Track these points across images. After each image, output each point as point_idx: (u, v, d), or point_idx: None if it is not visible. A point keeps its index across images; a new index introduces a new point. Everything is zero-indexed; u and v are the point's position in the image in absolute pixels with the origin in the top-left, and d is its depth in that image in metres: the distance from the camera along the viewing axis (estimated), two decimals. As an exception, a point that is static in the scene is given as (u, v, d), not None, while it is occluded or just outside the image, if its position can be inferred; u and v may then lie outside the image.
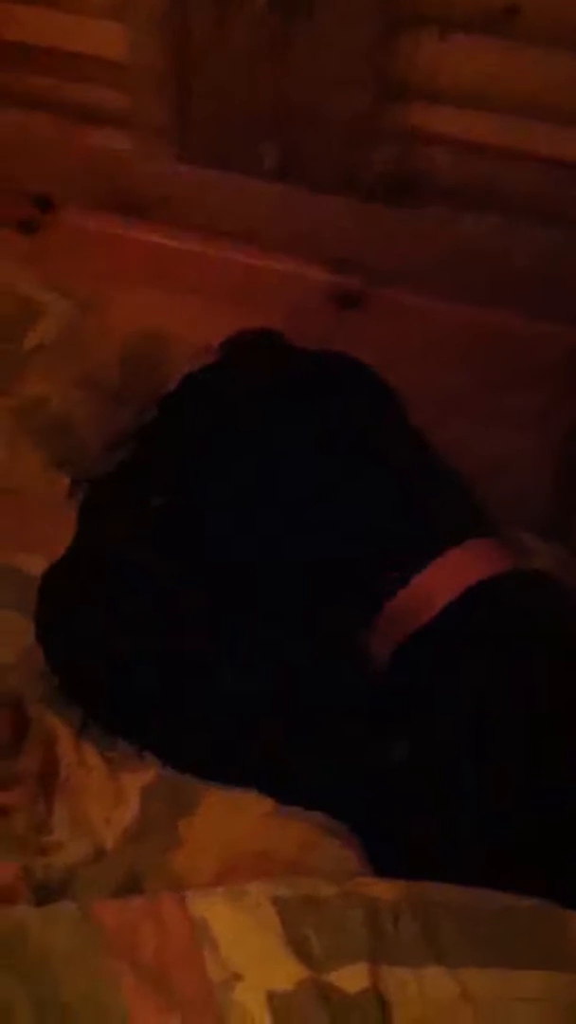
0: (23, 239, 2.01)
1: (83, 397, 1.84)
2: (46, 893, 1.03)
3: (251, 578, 1.33)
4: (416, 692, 1.22)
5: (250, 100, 1.75)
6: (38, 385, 1.85)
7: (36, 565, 1.57)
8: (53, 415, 1.81)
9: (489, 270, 1.75)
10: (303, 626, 1.31)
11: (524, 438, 1.79)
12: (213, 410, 1.56)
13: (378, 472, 1.43)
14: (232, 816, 1.19)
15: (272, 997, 0.86)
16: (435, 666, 1.22)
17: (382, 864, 1.13)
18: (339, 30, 1.64)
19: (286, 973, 0.86)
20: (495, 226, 1.74)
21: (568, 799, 1.09)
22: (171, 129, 1.82)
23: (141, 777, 1.24)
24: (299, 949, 0.87)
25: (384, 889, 0.94)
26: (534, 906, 0.97)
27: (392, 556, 1.33)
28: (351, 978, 0.87)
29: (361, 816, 1.17)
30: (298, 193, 1.80)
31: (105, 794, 1.23)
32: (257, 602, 1.31)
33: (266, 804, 1.18)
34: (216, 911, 0.90)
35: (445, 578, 1.27)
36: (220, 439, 1.50)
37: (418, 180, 1.77)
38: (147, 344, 1.94)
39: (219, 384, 1.62)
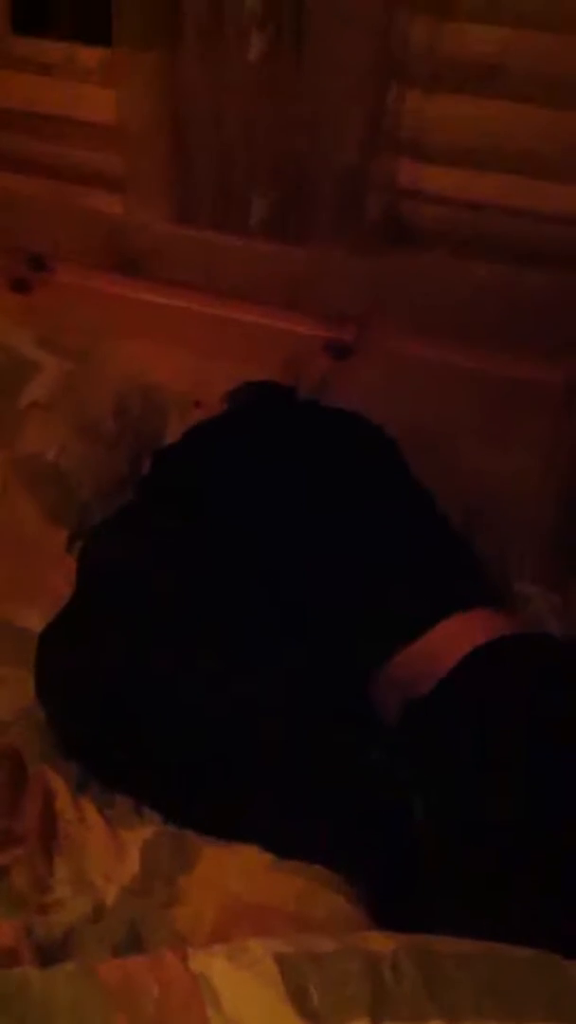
0: (17, 298, 2.05)
1: (79, 449, 1.85)
2: (48, 952, 1.03)
3: (258, 632, 1.34)
4: (427, 750, 1.21)
5: (242, 158, 1.79)
6: (35, 439, 1.86)
7: (34, 619, 1.56)
8: (49, 468, 1.82)
9: (481, 316, 1.78)
10: (311, 676, 1.31)
11: (522, 476, 1.79)
12: (219, 463, 1.57)
13: (385, 530, 1.44)
14: (232, 871, 1.18)
15: (276, 1053, 0.86)
16: (446, 724, 1.23)
17: (387, 916, 1.13)
18: (330, 88, 1.68)
19: (289, 1030, 0.86)
20: (486, 273, 1.77)
21: None
22: (163, 188, 1.86)
23: (141, 833, 1.24)
24: (301, 1005, 0.87)
25: (384, 942, 0.94)
26: (536, 956, 0.96)
27: (397, 615, 1.34)
28: (354, 1034, 0.86)
29: (369, 869, 1.17)
30: (289, 248, 1.84)
31: (105, 851, 1.23)
32: (263, 656, 1.31)
33: (265, 858, 1.18)
34: (217, 967, 0.89)
35: (452, 640, 1.28)
36: (227, 492, 1.51)
37: (409, 230, 1.81)
38: (141, 397, 1.96)
39: (226, 438, 1.63)
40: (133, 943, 1.03)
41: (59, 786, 1.28)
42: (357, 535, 1.43)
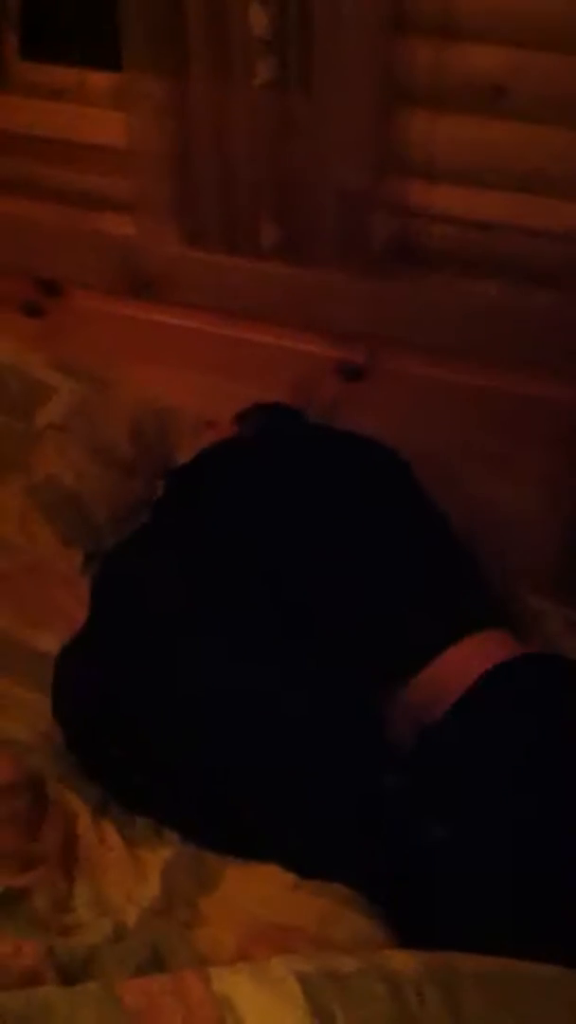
0: (30, 322, 2.07)
1: (94, 472, 1.87)
2: (70, 973, 1.03)
3: (274, 652, 1.34)
4: (444, 777, 1.22)
5: (250, 181, 1.80)
6: (50, 462, 1.87)
7: (51, 642, 1.57)
8: (65, 491, 1.83)
9: (492, 336, 1.79)
10: (330, 698, 1.32)
11: (533, 497, 1.80)
12: (230, 486, 1.58)
13: (395, 555, 1.45)
14: (253, 891, 1.18)
15: (300, 1074, 0.86)
16: (460, 751, 1.23)
17: (410, 934, 1.13)
18: (336, 110, 1.70)
19: (313, 1049, 0.86)
20: (497, 293, 1.78)
21: None
22: (174, 212, 1.88)
23: (161, 855, 1.24)
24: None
25: (406, 961, 0.94)
26: (557, 974, 0.96)
27: (408, 641, 1.35)
28: (378, 1053, 0.86)
29: (391, 890, 1.17)
30: (299, 270, 1.85)
31: (125, 872, 1.23)
32: (282, 676, 1.32)
33: (287, 878, 1.18)
34: (240, 988, 0.90)
35: (463, 664, 1.28)
36: (238, 513, 1.52)
37: (418, 251, 1.82)
38: (155, 419, 1.97)
39: (237, 461, 1.64)
40: (155, 964, 1.03)
41: (79, 808, 1.29)
42: (368, 559, 1.44)
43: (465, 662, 1.28)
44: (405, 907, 1.15)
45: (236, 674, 1.30)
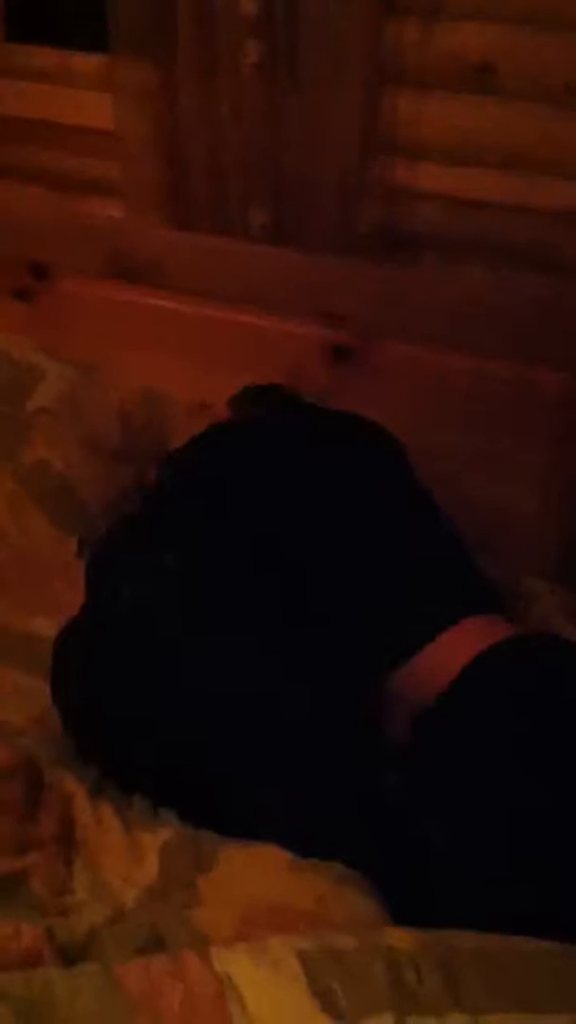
0: (20, 306, 2.06)
1: (84, 458, 1.86)
2: (70, 954, 1.03)
3: (269, 635, 1.35)
4: (439, 770, 1.22)
5: (239, 164, 1.80)
6: (40, 448, 1.86)
7: (46, 627, 1.57)
8: (56, 477, 1.83)
9: (482, 320, 1.79)
10: (325, 696, 1.32)
11: (525, 484, 1.81)
12: (227, 469, 1.58)
13: (388, 539, 1.45)
14: (251, 871, 1.18)
15: (301, 1050, 0.86)
16: (453, 741, 1.23)
17: (404, 912, 1.14)
18: (323, 92, 1.69)
19: (314, 1026, 0.87)
20: (486, 276, 1.79)
21: None
22: (162, 195, 1.87)
23: (159, 835, 1.24)
24: (325, 1001, 0.88)
25: (404, 939, 0.95)
26: (556, 950, 0.97)
27: (399, 628, 1.35)
28: (378, 1030, 0.87)
29: (390, 882, 1.18)
30: (290, 253, 1.85)
31: (123, 854, 1.23)
32: (276, 658, 1.32)
33: (284, 857, 1.18)
34: (240, 966, 0.90)
35: (453, 650, 1.29)
36: (236, 497, 1.52)
37: (407, 234, 1.82)
38: (145, 404, 1.97)
39: (233, 443, 1.64)
40: (155, 945, 1.03)
41: (76, 791, 1.29)
42: (361, 543, 1.44)
43: (457, 646, 1.28)
44: (403, 898, 1.16)
45: (236, 668, 1.30)
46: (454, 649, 1.29)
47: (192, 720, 1.27)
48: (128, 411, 1.95)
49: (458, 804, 1.18)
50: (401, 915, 1.13)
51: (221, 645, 1.32)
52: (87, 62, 1.87)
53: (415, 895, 1.16)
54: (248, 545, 1.44)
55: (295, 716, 1.27)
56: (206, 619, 1.35)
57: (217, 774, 1.25)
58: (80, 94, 1.89)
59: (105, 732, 1.33)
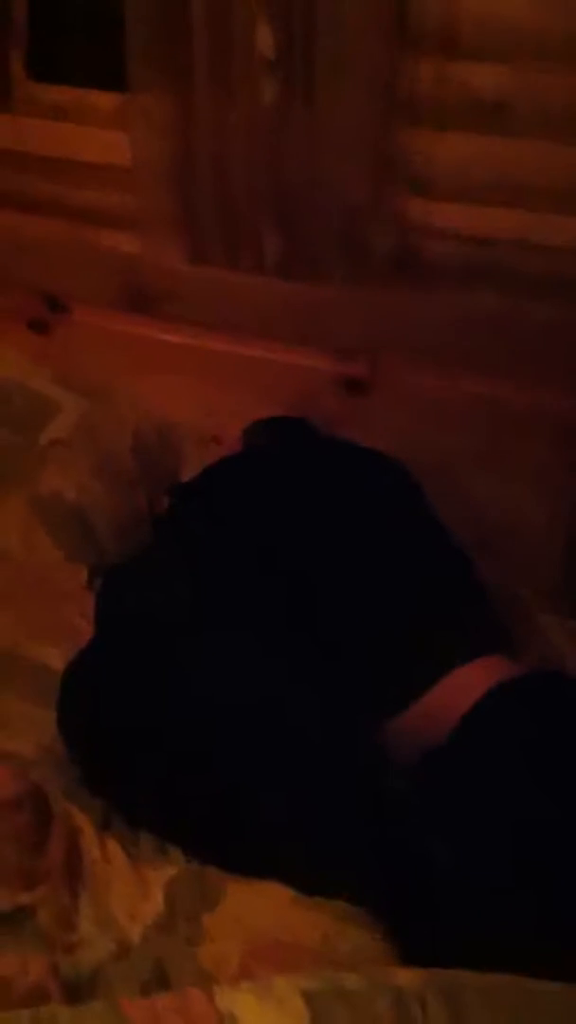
0: (35, 337, 2.08)
1: (97, 487, 1.87)
2: (75, 990, 1.03)
3: (281, 670, 1.35)
4: (448, 802, 1.21)
5: (253, 199, 1.82)
6: (54, 478, 1.87)
7: (55, 658, 1.57)
8: (69, 506, 1.83)
9: (492, 349, 1.80)
10: (330, 692, 1.32)
11: (534, 507, 1.81)
12: (239, 500, 1.58)
13: (400, 575, 1.45)
14: (256, 907, 1.18)
15: None
16: (462, 777, 1.22)
17: (412, 946, 1.13)
18: (338, 127, 1.71)
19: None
20: (498, 307, 1.80)
21: None
22: (177, 229, 1.89)
23: (165, 872, 1.23)
24: (329, 1041, 0.88)
25: (410, 977, 0.94)
26: (562, 990, 0.97)
27: (410, 666, 1.35)
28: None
29: (392, 903, 1.18)
30: (302, 286, 1.86)
31: (129, 889, 1.22)
32: (285, 694, 1.31)
33: (289, 894, 1.17)
34: (244, 1005, 0.89)
35: (463, 689, 1.29)
36: (247, 525, 1.53)
37: (419, 266, 1.83)
38: (158, 434, 1.98)
39: (246, 475, 1.64)
40: (160, 981, 1.03)
41: (84, 824, 1.29)
42: (373, 578, 1.44)
43: (465, 688, 1.28)
44: (406, 909, 1.15)
45: (239, 673, 1.30)
46: (466, 687, 1.29)
47: (196, 727, 1.27)
48: (141, 441, 1.96)
49: (463, 819, 1.18)
50: (403, 937, 1.13)
51: (224, 649, 1.32)
52: (105, 99, 1.90)
53: (417, 904, 1.16)
54: (254, 562, 1.45)
55: (300, 721, 1.27)
56: (213, 646, 1.35)
57: (221, 784, 1.24)
58: (98, 131, 1.91)
59: (110, 753, 1.32)
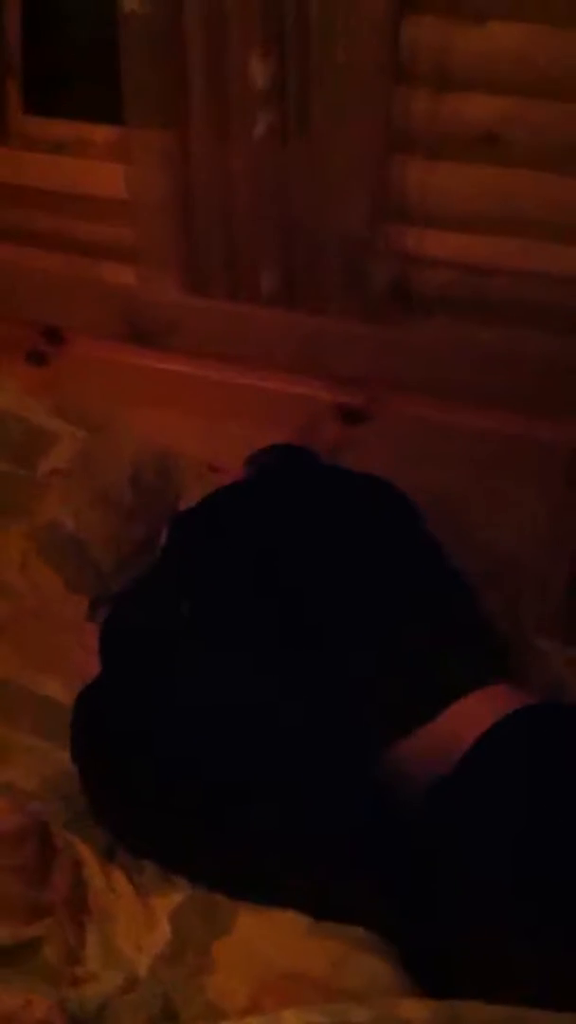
0: (34, 370, 2.09)
1: (96, 517, 1.88)
2: (82, 1024, 1.03)
3: (284, 695, 1.35)
4: (455, 831, 1.21)
5: (251, 230, 1.83)
6: (52, 508, 1.88)
7: (57, 689, 1.58)
8: (68, 537, 1.84)
9: (491, 379, 1.81)
10: (338, 754, 1.32)
11: (533, 538, 1.81)
12: (243, 526, 1.58)
13: (405, 604, 1.45)
14: (266, 935, 1.17)
15: None
16: (470, 808, 1.22)
17: (418, 972, 1.14)
18: (334, 158, 1.72)
19: None
20: (496, 337, 1.80)
21: None
22: (175, 260, 1.90)
23: (171, 899, 1.23)
24: (335, 1073, 0.88)
25: (415, 1009, 0.94)
26: (561, 1019, 0.97)
27: (415, 694, 1.34)
28: None
29: (405, 934, 1.18)
30: (300, 316, 1.87)
31: (135, 920, 1.22)
32: (291, 724, 1.32)
33: (301, 922, 1.17)
34: (253, 1040, 0.90)
35: (470, 718, 1.28)
36: (250, 552, 1.53)
37: (416, 296, 1.84)
38: (157, 465, 1.99)
39: (249, 504, 1.64)
40: (167, 1017, 1.02)
41: (87, 855, 1.29)
42: (377, 602, 1.44)
43: (471, 717, 1.28)
44: (403, 921, 1.16)
45: (232, 683, 1.32)
46: (473, 716, 1.28)
47: (190, 740, 1.28)
48: (140, 472, 1.96)
49: (466, 841, 1.18)
50: (405, 939, 1.14)
51: (217, 662, 1.32)
52: (102, 132, 1.91)
53: (415, 915, 1.16)
54: (252, 585, 1.46)
55: (290, 725, 1.29)
56: (207, 644, 1.36)
57: (217, 796, 1.25)
58: (95, 164, 1.92)
59: (122, 794, 1.32)
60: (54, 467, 1.99)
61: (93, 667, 1.52)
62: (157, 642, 1.47)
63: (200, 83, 1.72)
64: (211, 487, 1.81)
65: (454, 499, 1.77)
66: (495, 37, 1.63)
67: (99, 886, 1.26)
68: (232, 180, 1.79)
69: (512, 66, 1.64)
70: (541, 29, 1.60)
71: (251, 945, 1.17)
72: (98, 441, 2.02)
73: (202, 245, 1.86)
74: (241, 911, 1.21)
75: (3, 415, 2.06)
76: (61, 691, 1.58)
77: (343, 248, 1.79)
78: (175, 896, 1.25)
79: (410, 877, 1.18)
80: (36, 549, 1.82)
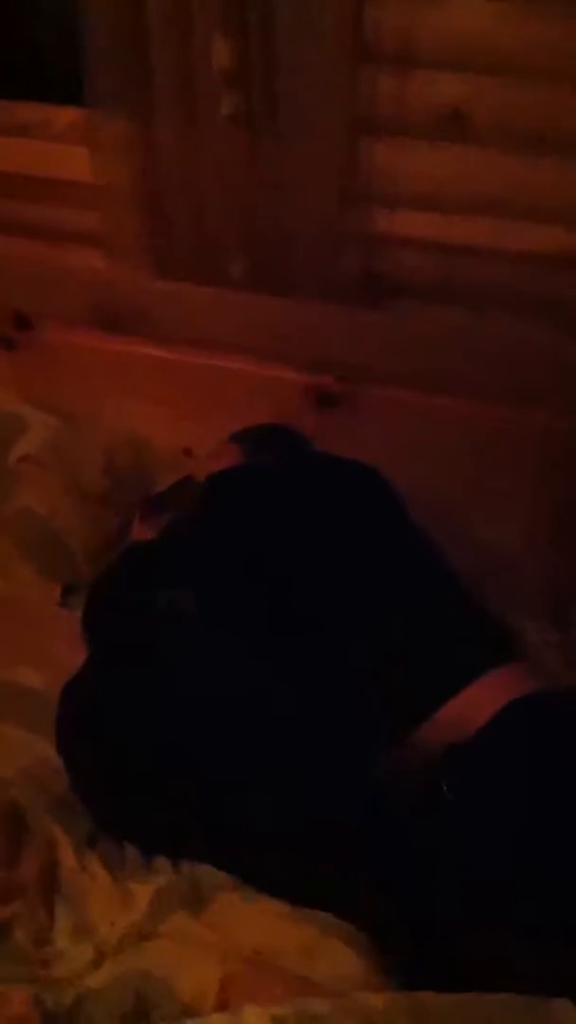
0: (2, 356, 2.08)
1: (68, 505, 1.88)
2: (56, 1020, 1.04)
3: (278, 684, 1.35)
4: (471, 794, 1.22)
5: (219, 213, 1.82)
6: (24, 496, 1.88)
7: (32, 677, 1.59)
8: (40, 525, 1.84)
9: (464, 361, 1.81)
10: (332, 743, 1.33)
11: (511, 522, 1.83)
12: (241, 516, 1.59)
13: (409, 589, 1.47)
14: (241, 917, 1.19)
15: None
16: (487, 780, 1.23)
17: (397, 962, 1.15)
18: (300, 142, 1.71)
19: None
20: (466, 319, 1.81)
21: None
22: (143, 245, 1.89)
23: (151, 885, 1.25)
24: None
25: (379, 999, 0.96)
26: (523, 999, 0.99)
27: (423, 677, 1.35)
28: None
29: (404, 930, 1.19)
30: (271, 300, 1.87)
31: (110, 899, 1.24)
32: (285, 712, 1.33)
33: (276, 907, 1.19)
34: (218, 1034, 0.92)
35: (490, 694, 1.29)
36: (242, 544, 1.54)
37: (388, 280, 1.84)
38: (130, 450, 1.98)
39: (247, 491, 1.65)
40: (139, 1015, 1.03)
41: (60, 836, 1.29)
42: (383, 591, 1.45)
43: (491, 693, 1.28)
44: (398, 910, 1.17)
45: (225, 671, 1.32)
46: (484, 699, 1.29)
47: (183, 726, 1.29)
48: (112, 459, 1.97)
49: (468, 828, 1.19)
50: (393, 934, 1.16)
51: (211, 650, 1.33)
52: (65, 115, 1.89)
53: (411, 903, 1.17)
54: (257, 595, 1.46)
55: (284, 713, 1.29)
56: (197, 627, 1.38)
57: (206, 782, 1.26)
58: (60, 148, 1.90)
59: (108, 769, 1.33)
60: (24, 454, 1.98)
61: (73, 657, 1.52)
62: (146, 630, 1.47)
63: (164, 65, 1.70)
64: (185, 471, 1.83)
65: (428, 480, 1.76)
66: (460, 16, 1.61)
67: (71, 865, 1.27)
68: (198, 164, 1.77)
69: (478, 44, 1.62)
70: (507, 7, 1.58)
71: (225, 925, 1.18)
72: (69, 429, 2.02)
73: (170, 229, 1.85)
74: (218, 895, 1.23)
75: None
76: (37, 680, 1.59)
77: (312, 231, 1.78)
78: (157, 879, 1.26)
79: (410, 874, 1.19)
80: (7, 537, 1.82)
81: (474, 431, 1.82)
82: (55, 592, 1.78)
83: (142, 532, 1.79)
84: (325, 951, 1.15)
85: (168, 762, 1.28)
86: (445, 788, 1.22)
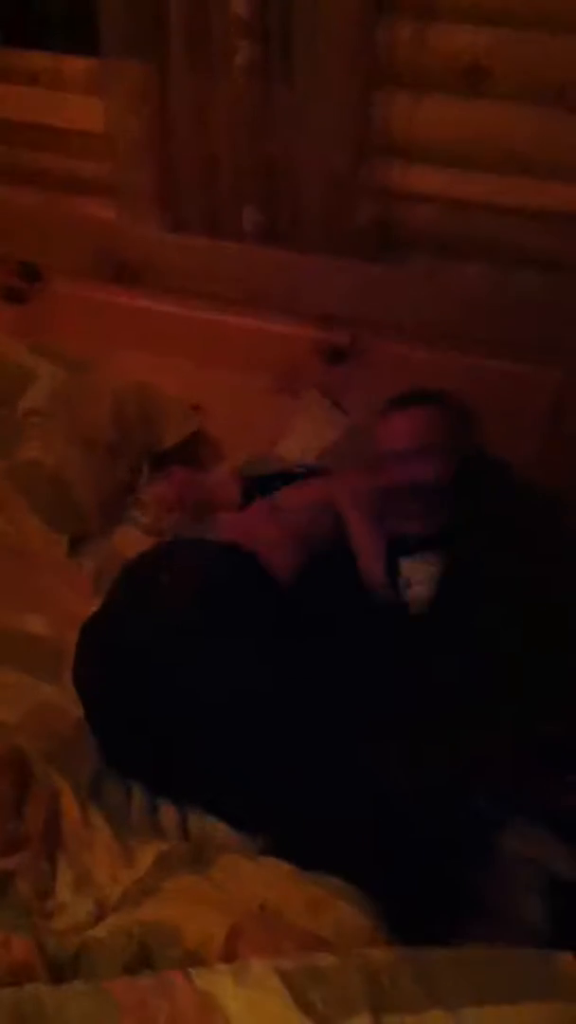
0: (11, 308, 2.07)
1: (77, 456, 1.87)
2: (59, 968, 1.05)
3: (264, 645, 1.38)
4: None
5: (232, 165, 1.80)
6: (33, 448, 1.87)
7: (38, 626, 1.61)
8: (49, 476, 1.84)
9: (475, 318, 1.80)
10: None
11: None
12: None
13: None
14: (246, 876, 1.20)
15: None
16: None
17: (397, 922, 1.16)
18: (317, 93, 1.69)
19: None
20: (479, 275, 1.79)
21: None
22: (155, 196, 1.87)
23: (156, 847, 1.26)
24: (306, 1009, 0.90)
25: (381, 953, 0.97)
26: (526, 952, 1.00)
27: None
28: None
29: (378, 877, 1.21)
30: (282, 253, 1.85)
31: (112, 853, 1.25)
32: (291, 646, 1.38)
33: (285, 867, 1.20)
34: (222, 985, 0.92)
35: None
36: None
37: (400, 234, 1.82)
38: (137, 402, 1.98)
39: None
40: (143, 962, 1.04)
41: (64, 787, 1.30)
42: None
43: None
44: (401, 896, 1.18)
45: (230, 669, 1.33)
46: None
47: (185, 718, 1.30)
48: (120, 409, 1.96)
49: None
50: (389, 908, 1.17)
51: (217, 649, 1.34)
52: (78, 65, 1.86)
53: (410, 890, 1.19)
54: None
55: (285, 708, 1.30)
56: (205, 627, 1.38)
57: (208, 770, 1.28)
58: (72, 97, 1.88)
59: (121, 718, 1.37)
60: (33, 406, 1.97)
61: (79, 605, 1.55)
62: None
63: (180, 14, 1.67)
64: (192, 426, 1.82)
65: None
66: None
67: (74, 816, 1.27)
68: (212, 115, 1.75)
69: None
70: (529, -42, 1.55)
71: (231, 883, 1.19)
72: (77, 380, 2.01)
73: (182, 182, 1.83)
74: (224, 854, 1.24)
75: (-20, 356, 2.04)
76: (43, 627, 1.61)
77: (326, 184, 1.76)
78: (161, 844, 1.27)
79: (410, 872, 1.21)
80: (15, 488, 1.81)
81: (483, 386, 1.80)
82: (63, 542, 1.78)
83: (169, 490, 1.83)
84: (331, 908, 1.16)
85: (176, 699, 1.30)
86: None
